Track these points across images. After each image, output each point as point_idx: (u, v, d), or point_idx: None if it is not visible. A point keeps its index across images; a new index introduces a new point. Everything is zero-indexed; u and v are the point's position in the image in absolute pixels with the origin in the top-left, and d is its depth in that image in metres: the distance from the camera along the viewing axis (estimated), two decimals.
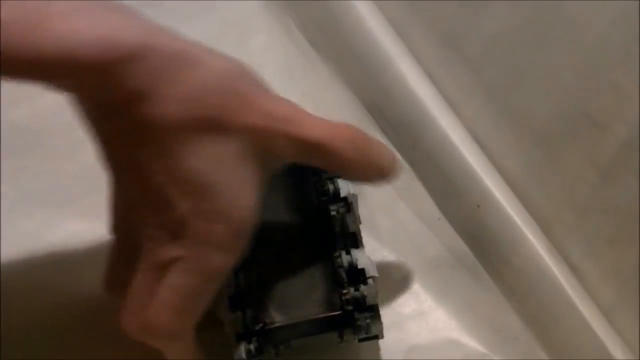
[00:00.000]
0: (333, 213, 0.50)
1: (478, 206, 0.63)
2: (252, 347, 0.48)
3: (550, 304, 0.61)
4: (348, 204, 0.51)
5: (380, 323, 0.51)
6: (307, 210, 0.52)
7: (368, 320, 0.50)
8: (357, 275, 0.50)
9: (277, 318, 0.49)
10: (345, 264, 0.50)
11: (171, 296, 0.42)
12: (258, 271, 0.50)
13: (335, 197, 0.51)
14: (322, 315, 0.49)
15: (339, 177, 0.52)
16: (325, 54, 0.71)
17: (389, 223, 0.64)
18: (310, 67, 0.72)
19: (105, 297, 0.49)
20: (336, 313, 0.49)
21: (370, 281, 0.50)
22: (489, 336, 0.63)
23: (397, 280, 0.61)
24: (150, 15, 0.71)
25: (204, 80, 0.42)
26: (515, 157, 0.63)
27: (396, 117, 0.67)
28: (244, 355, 0.47)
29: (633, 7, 0.52)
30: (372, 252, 0.57)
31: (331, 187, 0.51)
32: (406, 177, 0.68)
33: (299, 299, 0.49)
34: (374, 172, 0.49)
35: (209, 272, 0.43)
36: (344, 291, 0.49)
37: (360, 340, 0.51)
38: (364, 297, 0.49)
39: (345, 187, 0.51)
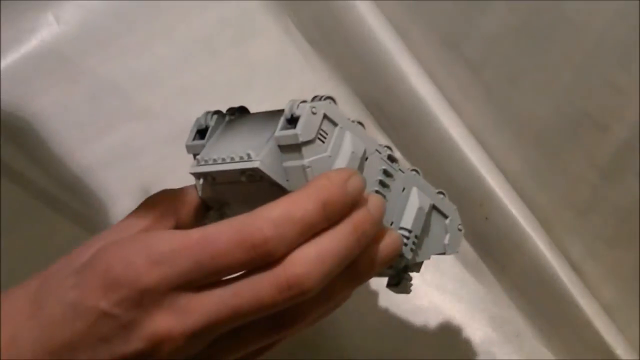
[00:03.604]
0: None
1: (480, 205, 0.63)
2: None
3: (552, 302, 0.61)
4: None
5: None
6: None
7: None
8: None
9: None
10: None
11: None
12: None
13: None
14: None
15: None
16: (325, 53, 0.71)
17: None
18: (309, 65, 0.72)
19: None
20: None
21: None
22: (491, 333, 0.63)
23: None
24: (148, 14, 0.72)
25: None
26: (515, 156, 0.63)
27: (397, 116, 0.67)
28: None
29: (633, 7, 0.52)
30: None
31: None
32: None
33: None
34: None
35: None
36: None
37: None
38: None
39: None
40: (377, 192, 0.45)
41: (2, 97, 0.66)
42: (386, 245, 0.43)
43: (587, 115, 0.56)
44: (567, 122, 0.57)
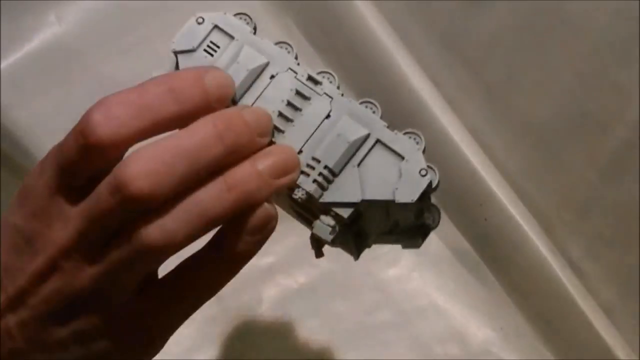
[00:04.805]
0: None
1: (480, 205, 0.63)
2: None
3: (553, 303, 0.61)
4: None
5: None
6: None
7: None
8: None
9: None
10: None
11: None
12: None
13: None
14: None
15: None
16: (325, 53, 0.71)
17: None
18: (310, 66, 0.72)
19: None
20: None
21: None
22: (491, 333, 0.63)
23: (398, 277, 0.61)
24: (150, 14, 0.72)
25: None
26: (515, 157, 0.63)
27: (397, 116, 0.67)
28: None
29: (633, 7, 0.52)
30: (374, 250, 0.57)
31: None
32: None
33: None
34: None
35: None
36: None
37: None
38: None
39: None
40: (280, 113, 0.41)
41: (2, 96, 0.66)
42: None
43: (587, 115, 0.56)
44: (567, 122, 0.57)
